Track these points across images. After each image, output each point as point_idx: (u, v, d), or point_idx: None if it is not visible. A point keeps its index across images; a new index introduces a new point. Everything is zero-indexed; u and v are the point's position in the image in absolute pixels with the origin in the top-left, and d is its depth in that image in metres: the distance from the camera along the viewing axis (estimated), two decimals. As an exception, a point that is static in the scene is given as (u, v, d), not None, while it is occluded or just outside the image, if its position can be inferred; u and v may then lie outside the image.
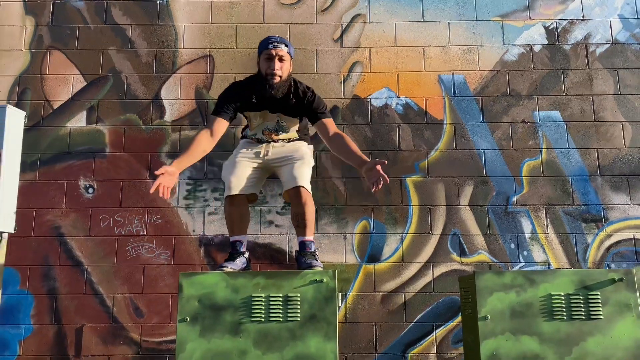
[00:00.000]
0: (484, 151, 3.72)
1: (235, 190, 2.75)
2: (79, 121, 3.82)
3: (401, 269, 3.58)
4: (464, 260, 3.57)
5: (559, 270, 2.57)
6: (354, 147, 2.82)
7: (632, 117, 3.75)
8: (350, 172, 3.69)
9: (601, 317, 2.49)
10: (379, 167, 2.56)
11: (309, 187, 2.77)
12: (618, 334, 2.47)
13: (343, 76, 3.84)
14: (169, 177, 2.60)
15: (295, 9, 3.94)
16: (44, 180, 3.73)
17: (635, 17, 3.91)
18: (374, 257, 3.60)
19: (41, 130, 3.80)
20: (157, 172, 2.58)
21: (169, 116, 3.82)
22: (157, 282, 3.59)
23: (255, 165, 2.86)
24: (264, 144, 2.91)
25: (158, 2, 3.98)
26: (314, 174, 3.61)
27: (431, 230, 3.62)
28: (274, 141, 2.92)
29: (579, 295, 2.52)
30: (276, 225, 3.66)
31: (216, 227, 3.66)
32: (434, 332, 3.50)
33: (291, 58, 2.85)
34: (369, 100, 3.81)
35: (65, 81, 3.87)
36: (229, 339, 2.47)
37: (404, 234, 3.62)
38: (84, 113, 3.83)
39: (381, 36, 3.91)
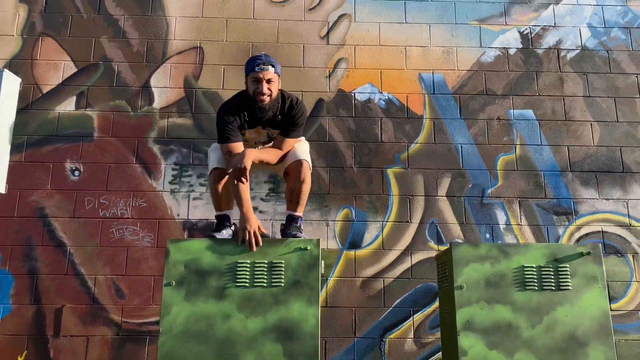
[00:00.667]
0: (461, 145, 3.89)
1: (222, 164, 2.82)
2: (67, 106, 3.88)
3: (381, 255, 3.68)
4: (441, 248, 3.68)
5: (531, 244, 2.71)
6: (269, 150, 2.86)
7: (600, 118, 3.97)
8: (334, 162, 3.81)
9: (570, 288, 2.62)
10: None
11: (310, 162, 2.86)
12: (585, 303, 2.60)
13: (329, 71, 4.00)
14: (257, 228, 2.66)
15: (284, 7, 4.10)
16: (30, 162, 3.76)
17: (603, 26, 4.17)
18: (355, 244, 3.70)
19: (29, 113, 3.84)
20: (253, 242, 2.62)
21: (157, 103, 3.91)
22: (140, 265, 3.62)
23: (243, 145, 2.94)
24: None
25: (151, -5, 4.11)
26: (298, 162, 3.72)
27: (410, 219, 3.75)
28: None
29: (550, 267, 2.65)
30: (260, 212, 3.74)
31: (200, 211, 3.72)
32: (411, 317, 3.59)
33: (279, 76, 2.85)
34: (353, 94, 3.96)
35: (55, 67, 3.94)
36: (213, 303, 2.53)
37: (384, 222, 3.74)
38: (74, 98, 3.90)
39: (365, 35, 4.09)
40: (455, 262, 2.65)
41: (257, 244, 2.61)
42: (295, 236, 2.72)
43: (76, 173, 3.76)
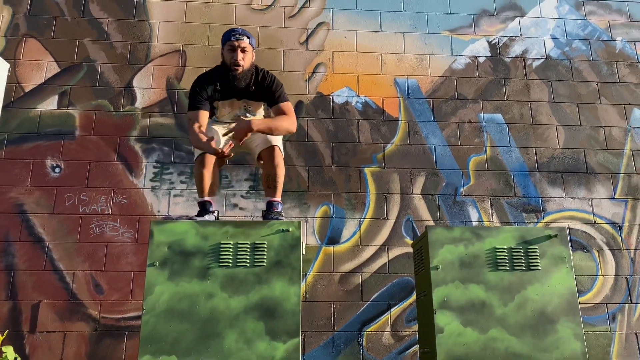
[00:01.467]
0: (434, 146, 4.05)
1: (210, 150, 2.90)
2: (50, 104, 3.92)
3: (358, 251, 3.77)
4: (417, 243, 3.80)
5: (502, 227, 2.84)
6: (272, 121, 2.93)
7: (564, 122, 4.20)
8: (313, 161, 3.93)
9: (539, 268, 2.75)
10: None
11: (282, 148, 2.97)
12: (554, 283, 2.73)
13: (308, 75, 4.15)
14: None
15: (265, 14, 4.27)
16: (9, 159, 3.77)
17: (565, 37, 4.45)
18: (334, 240, 3.79)
19: (11, 111, 3.87)
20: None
21: (139, 103, 3.98)
22: (120, 260, 3.63)
23: (224, 129, 3.03)
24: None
25: (135, 0, 4.23)
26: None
27: (387, 216, 3.86)
28: None
29: (520, 249, 2.78)
30: (240, 208, 3.81)
31: (181, 208, 3.77)
32: (388, 311, 3.67)
33: (253, 49, 3.00)
34: (331, 97, 4.11)
35: (38, 67, 4.00)
36: (197, 283, 2.58)
37: (362, 219, 3.84)
38: (56, 97, 3.94)
39: (343, 42, 4.27)
40: (431, 244, 2.76)
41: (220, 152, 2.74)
42: (277, 219, 2.80)
43: (57, 170, 3.78)
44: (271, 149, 2.90)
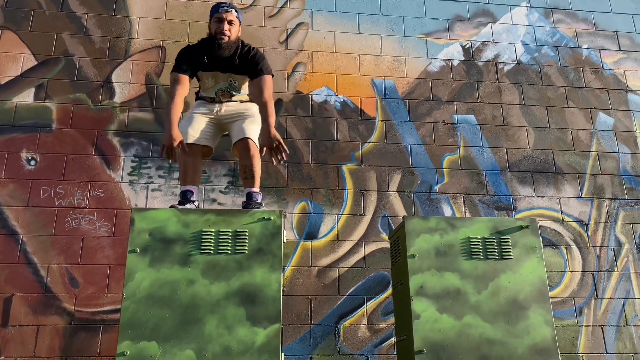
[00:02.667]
0: (410, 145, 4.16)
1: (191, 139, 2.93)
2: (26, 97, 3.89)
3: (336, 246, 3.83)
4: (393, 239, 3.88)
5: (476, 218, 2.94)
6: (268, 116, 2.96)
7: (534, 124, 4.36)
8: (292, 158, 3.98)
9: (512, 257, 2.85)
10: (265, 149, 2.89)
11: (257, 141, 3.01)
12: (526, 271, 2.83)
13: (287, 73, 4.22)
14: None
15: (245, 13, 4.32)
16: (-17, 151, 3.71)
17: (535, 44, 4.63)
18: (312, 235, 3.84)
19: (-15, 103, 3.82)
20: (176, 145, 2.79)
21: (118, 97, 3.98)
22: (96, 254, 3.60)
23: (209, 120, 3.07)
24: (218, 104, 3.14)
25: (115, -4, 4.24)
26: (258, 156, 3.86)
27: (364, 212, 3.93)
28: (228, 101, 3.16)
29: (493, 238, 2.88)
30: (219, 204, 3.83)
31: (159, 202, 3.77)
32: (365, 305, 3.73)
33: (240, 23, 3.10)
34: (310, 96, 4.18)
35: (15, 59, 3.96)
36: (178, 269, 2.59)
37: (340, 215, 3.91)
38: (32, 90, 3.91)
39: (322, 43, 4.36)
40: (408, 233, 2.84)
41: (174, 158, 2.81)
42: (257, 209, 2.84)
43: (32, 163, 3.74)
44: (245, 141, 2.94)
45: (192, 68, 3.06)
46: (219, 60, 3.04)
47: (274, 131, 2.90)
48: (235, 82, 3.11)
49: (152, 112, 3.96)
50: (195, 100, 3.26)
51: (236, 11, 3.07)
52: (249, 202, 2.92)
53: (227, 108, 3.11)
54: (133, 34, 4.15)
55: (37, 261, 3.54)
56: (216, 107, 3.10)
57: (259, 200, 2.95)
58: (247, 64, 3.05)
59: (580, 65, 4.62)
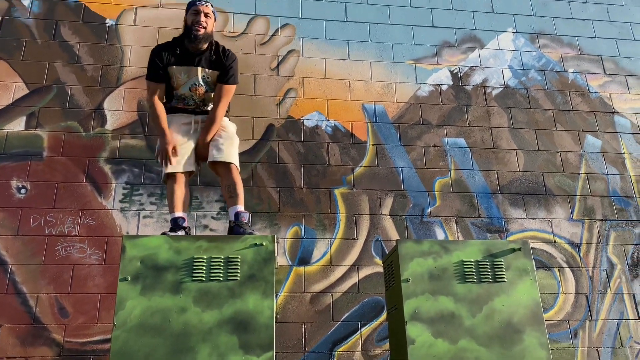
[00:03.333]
0: (401, 169, 4.18)
1: (174, 169, 2.95)
2: (17, 125, 3.88)
3: (329, 271, 3.81)
4: (386, 263, 3.87)
5: (469, 241, 2.95)
6: (213, 123, 3.11)
7: (523, 147, 4.41)
8: (284, 183, 3.99)
9: (505, 280, 2.85)
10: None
11: (238, 164, 3.05)
12: (519, 294, 2.83)
13: (279, 99, 4.25)
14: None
15: (237, 41, 4.38)
16: (-27, 180, 3.68)
17: (522, 68, 4.72)
18: (304, 260, 3.82)
19: (-24, 132, 3.81)
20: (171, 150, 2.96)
21: (110, 125, 3.98)
22: (86, 282, 3.55)
23: (187, 140, 3.07)
24: (193, 118, 3.12)
25: (107, 25, 4.28)
26: (250, 182, 3.89)
27: (356, 236, 3.93)
28: (203, 106, 3.17)
29: (486, 261, 2.88)
30: (211, 230, 3.81)
31: (150, 229, 3.74)
32: (359, 331, 3.69)
33: (214, 20, 3.21)
34: (301, 121, 4.21)
35: (6, 88, 3.97)
36: (169, 297, 2.56)
37: (332, 239, 3.90)
38: (24, 118, 3.91)
39: (313, 69, 4.41)
40: (401, 257, 2.84)
41: (170, 162, 2.95)
42: (245, 233, 2.82)
43: (22, 191, 3.71)
44: (227, 166, 2.98)
45: (164, 67, 3.11)
46: (193, 54, 3.12)
47: (205, 140, 3.07)
48: (208, 78, 3.15)
49: (144, 139, 3.96)
50: (167, 104, 3.20)
51: (212, 6, 3.21)
52: (237, 223, 2.91)
53: (203, 124, 3.13)
54: (125, 62, 4.18)
55: (26, 291, 3.48)
56: (192, 123, 3.10)
57: (247, 220, 2.95)
58: (221, 65, 3.16)
59: (566, 88, 4.70)
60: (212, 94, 3.19)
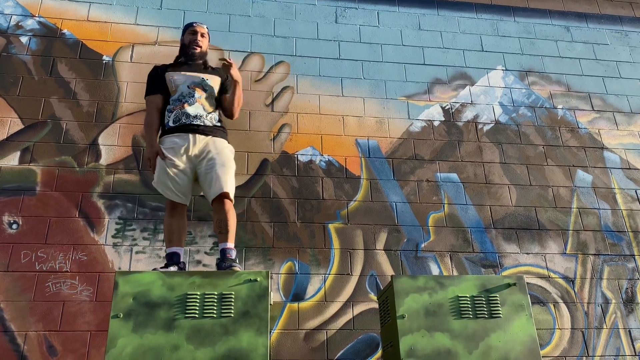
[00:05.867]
0: (395, 204, 4.20)
1: (177, 199, 2.95)
2: (10, 160, 3.88)
3: (323, 307, 3.77)
4: (381, 299, 3.83)
5: (464, 276, 2.94)
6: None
7: (516, 182, 4.45)
8: (278, 217, 3.98)
9: (501, 315, 2.84)
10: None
11: (233, 193, 3.05)
12: (515, 330, 2.81)
13: (273, 134, 4.29)
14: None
15: (232, 77, 4.44)
16: (-36, 215, 3.65)
17: (512, 105, 4.81)
18: (299, 296, 3.78)
19: (-31, 166, 3.80)
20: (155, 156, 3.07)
21: (104, 160, 3.99)
22: (76, 319, 3.49)
23: (182, 168, 3.06)
24: (189, 136, 3.10)
25: (104, 61, 4.33)
26: (244, 217, 3.88)
27: (351, 272, 3.91)
28: (201, 104, 3.22)
29: (482, 297, 2.87)
30: (204, 265, 3.77)
31: (143, 265, 3.70)
32: (354, 368, 3.63)
33: (209, 39, 3.52)
34: (296, 156, 4.24)
35: (1, 123, 3.98)
36: (162, 335, 2.52)
37: (327, 275, 3.87)
38: (18, 153, 3.91)
39: (307, 105, 4.47)
40: (396, 293, 2.82)
41: (153, 167, 3.12)
42: (230, 267, 2.80)
43: (14, 226, 3.68)
44: (220, 198, 2.96)
45: (161, 76, 3.29)
46: (190, 65, 3.36)
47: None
48: (207, 80, 3.24)
49: (138, 174, 3.97)
50: (161, 135, 3.25)
51: (207, 28, 3.51)
52: (223, 260, 2.89)
53: (200, 146, 3.11)
54: (121, 97, 4.22)
55: (14, 329, 3.41)
56: (190, 144, 3.09)
57: (233, 257, 2.93)
58: (220, 74, 3.40)
59: (556, 124, 4.79)
60: (210, 101, 3.30)
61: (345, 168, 4.27)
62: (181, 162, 3.07)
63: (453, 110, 4.69)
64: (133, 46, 4.43)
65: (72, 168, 3.92)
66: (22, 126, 4.00)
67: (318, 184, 4.17)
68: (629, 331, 4.03)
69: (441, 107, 4.69)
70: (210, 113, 3.25)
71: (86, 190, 3.86)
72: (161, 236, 3.78)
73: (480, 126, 4.65)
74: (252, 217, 3.95)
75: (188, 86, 3.22)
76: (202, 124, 3.18)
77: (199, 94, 3.22)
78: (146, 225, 3.82)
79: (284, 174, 4.15)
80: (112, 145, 4.04)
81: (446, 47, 4.97)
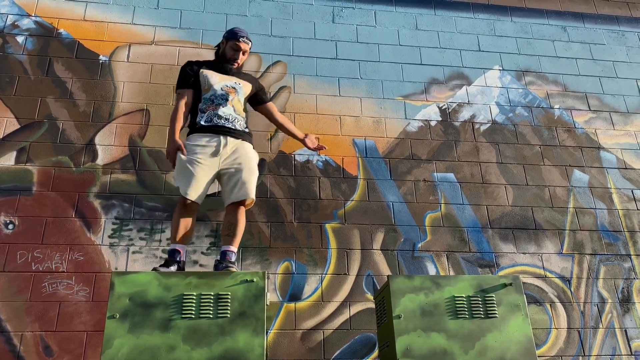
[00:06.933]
0: (392, 203, 4.20)
1: (193, 196, 2.94)
2: (7, 160, 3.87)
3: (320, 307, 3.77)
4: (378, 298, 3.83)
5: (460, 276, 2.94)
6: (291, 127, 3.71)
7: (512, 182, 4.46)
8: (275, 217, 3.98)
9: (497, 315, 2.84)
10: (310, 145, 3.65)
11: (254, 197, 3.06)
12: (511, 330, 2.82)
13: (270, 134, 4.29)
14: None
15: (229, 77, 4.44)
16: (-40, 215, 3.64)
17: (509, 105, 4.81)
18: (295, 296, 3.78)
19: (-35, 166, 3.79)
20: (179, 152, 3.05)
21: (101, 160, 3.98)
22: (73, 320, 3.48)
23: (208, 171, 3.05)
24: (220, 138, 3.12)
25: (100, 61, 4.33)
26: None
27: (348, 272, 3.91)
28: (233, 109, 3.26)
29: (478, 297, 2.88)
30: (200, 265, 3.77)
31: (139, 265, 3.70)
32: (351, 368, 3.63)
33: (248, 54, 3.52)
34: (293, 155, 4.24)
35: (-3, 123, 3.97)
36: (158, 335, 2.52)
37: (323, 275, 3.87)
38: (14, 153, 3.90)
39: (304, 105, 4.46)
40: (393, 293, 2.82)
41: (174, 161, 3.08)
42: (226, 267, 2.80)
43: (10, 226, 3.67)
44: (239, 205, 2.98)
45: (195, 74, 3.29)
46: (225, 68, 3.39)
47: (311, 138, 3.70)
48: (239, 84, 3.24)
49: (134, 174, 3.96)
50: (188, 133, 3.27)
51: (251, 43, 3.46)
52: (222, 261, 2.89)
53: (230, 148, 3.13)
54: (117, 97, 4.21)
55: (10, 329, 3.40)
56: (219, 143, 3.10)
57: (232, 260, 2.93)
58: (254, 82, 3.51)
59: (553, 124, 4.79)
60: (241, 106, 3.34)
61: (342, 168, 4.27)
62: (207, 162, 3.06)
63: (450, 110, 4.70)
64: (130, 46, 4.42)
65: (69, 168, 3.91)
66: (18, 126, 3.99)
67: (315, 184, 4.17)
68: (625, 331, 4.04)
69: (438, 107, 4.69)
70: (240, 117, 3.28)
71: (83, 190, 3.85)
72: (158, 236, 3.78)
73: (477, 126, 4.66)
74: (249, 217, 3.94)
75: (222, 88, 3.23)
76: (233, 127, 3.21)
77: (232, 96, 3.23)
78: (143, 226, 3.82)
79: (281, 174, 4.15)
80: (108, 145, 4.03)
81: (443, 47, 4.98)
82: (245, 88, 3.38)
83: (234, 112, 3.25)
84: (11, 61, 4.21)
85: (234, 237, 2.94)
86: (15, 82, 4.13)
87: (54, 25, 4.40)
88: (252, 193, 3.02)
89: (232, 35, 3.34)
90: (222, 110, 3.20)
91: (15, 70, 4.17)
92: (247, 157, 3.16)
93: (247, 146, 3.24)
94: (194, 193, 2.94)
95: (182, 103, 3.22)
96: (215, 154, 3.09)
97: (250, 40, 3.44)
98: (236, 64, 3.34)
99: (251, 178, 3.08)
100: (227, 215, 3.00)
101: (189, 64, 3.39)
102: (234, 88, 3.29)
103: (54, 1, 4.49)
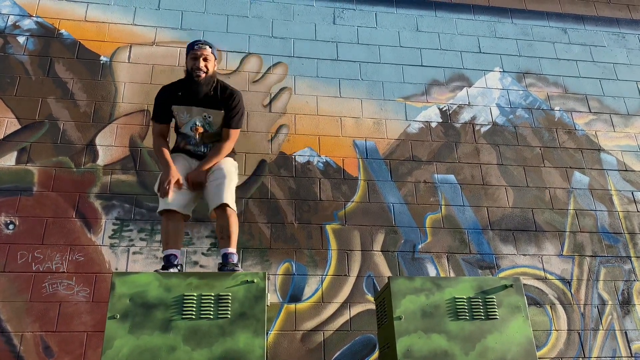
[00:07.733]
0: (392, 205, 4.20)
1: (172, 206, 2.94)
2: (7, 161, 3.87)
3: (320, 308, 3.77)
4: (378, 300, 3.83)
5: (461, 277, 2.94)
6: (211, 158, 3.20)
7: (512, 183, 4.46)
8: (275, 218, 3.98)
9: (497, 317, 2.84)
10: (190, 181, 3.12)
11: (233, 204, 3.04)
12: (512, 331, 2.82)
13: (271, 135, 4.29)
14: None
15: (230, 77, 4.44)
16: (-40, 215, 3.64)
17: (509, 106, 4.82)
18: (296, 297, 3.78)
19: (-35, 167, 3.79)
20: (173, 183, 2.95)
21: (101, 160, 3.98)
22: (73, 320, 3.48)
23: (187, 186, 3.09)
24: (195, 159, 3.20)
25: (101, 61, 4.33)
26: (241, 218, 3.88)
27: (348, 273, 3.91)
28: (203, 143, 3.23)
29: (478, 298, 2.88)
30: (201, 266, 3.77)
31: (140, 266, 3.70)
32: (351, 370, 3.63)
33: (215, 58, 3.26)
34: (293, 157, 4.24)
35: (-2, 123, 3.97)
36: (158, 336, 2.52)
37: (324, 276, 3.87)
38: (15, 153, 3.90)
39: (305, 106, 4.47)
40: (394, 294, 2.82)
41: (167, 193, 2.92)
42: (232, 270, 2.80)
43: (10, 226, 3.67)
44: (223, 208, 2.97)
45: (167, 107, 3.21)
46: (195, 95, 3.18)
47: (202, 171, 3.12)
48: (209, 117, 3.19)
49: (135, 175, 3.96)
50: (176, 143, 3.32)
51: (210, 47, 3.23)
52: (225, 264, 2.90)
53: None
54: (118, 98, 4.21)
55: (10, 329, 3.40)
56: (194, 164, 3.14)
57: (235, 261, 2.94)
58: (226, 106, 3.22)
59: (553, 126, 4.79)
60: (213, 135, 3.25)
61: (343, 169, 4.27)
62: (185, 173, 3.14)
63: (450, 111, 4.70)
64: (131, 46, 4.42)
65: (69, 168, 3.91)
66: (19, 126, 3.99)
67: (315, 185, 4.17)
68: (625, 332, 4.04)
69: (439, 108, 4.69)
70: (212, 144, 3.30)
71: (83, 191, 3.85)
72: (158, 237, 3.77)
73: (477, 128, 4.66)
74: (249, 218, 3.95)
75: (191, 128, 3.25)
76: (204, 153, 3.30)
77: (199, 133, 3.25)
78: (143, 226, 3.82)
79: (282, 175, 4.15)
80: (109, 145, 4.03)
81: (444, 49, 4.98)
82: (216, 119, 3.25)
83: (203, 145, 3.31)
84: (12, 62, 4.21)
85: (229, 238, 2.94)
86: (16, 82, 4.13)
87: (55, 26, 4.40)
88: (225, 198, 3.00)
89: (188, 47, 3.26)
90: (191, 147, 3.30)
91: (16, 71, 4.17)
92: (220, 166, 3.17)
93: (225, 158, 3.27)
94: (175, 202, 2.96)
95: (158, 135, 3.27)
96: (187, 167, 3.19)
97: (207, 44, 3.22)
98: (202, 73, 3.13)
99: (226, 184, 3.07)
100: (217, 220, 3.02)
101: (162, 93, 3.29)
102: (203, 125, 3.23)
103: (55, 2, 4.50)
